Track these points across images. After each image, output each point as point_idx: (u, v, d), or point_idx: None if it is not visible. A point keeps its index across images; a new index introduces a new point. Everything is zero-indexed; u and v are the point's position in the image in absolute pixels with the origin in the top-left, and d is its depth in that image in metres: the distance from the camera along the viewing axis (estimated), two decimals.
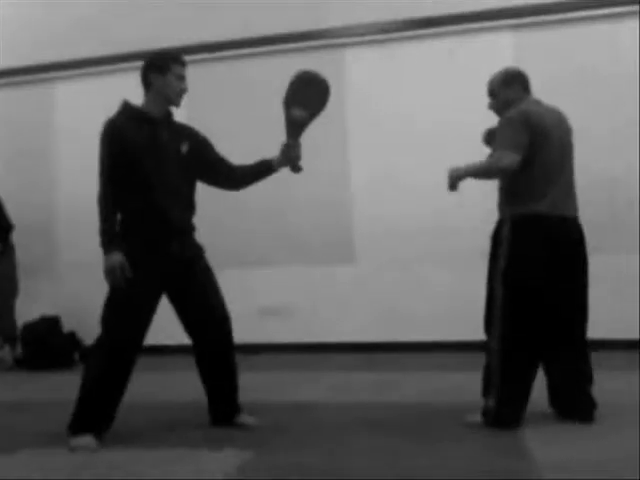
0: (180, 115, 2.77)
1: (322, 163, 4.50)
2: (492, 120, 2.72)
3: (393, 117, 4.61)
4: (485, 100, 2.77)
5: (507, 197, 2.63)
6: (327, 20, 4.71)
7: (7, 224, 4.70)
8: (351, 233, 4.71)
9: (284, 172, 2.78)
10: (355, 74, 4.70)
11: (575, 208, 2.64)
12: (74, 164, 5.10)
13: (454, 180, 2.62)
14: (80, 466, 2.26)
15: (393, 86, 4.64)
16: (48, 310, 4.88)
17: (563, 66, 4.31)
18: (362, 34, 4.69)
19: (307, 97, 2.65)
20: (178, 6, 4.96)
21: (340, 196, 4.73)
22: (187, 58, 2.73)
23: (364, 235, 4.68)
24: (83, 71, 5.15)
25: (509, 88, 2.67)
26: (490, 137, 2.79)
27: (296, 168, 2.73)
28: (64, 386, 3.45)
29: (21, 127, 5.33)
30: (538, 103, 2.65)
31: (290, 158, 2.69)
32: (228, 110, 4.85)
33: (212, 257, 2.75)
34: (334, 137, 4.66)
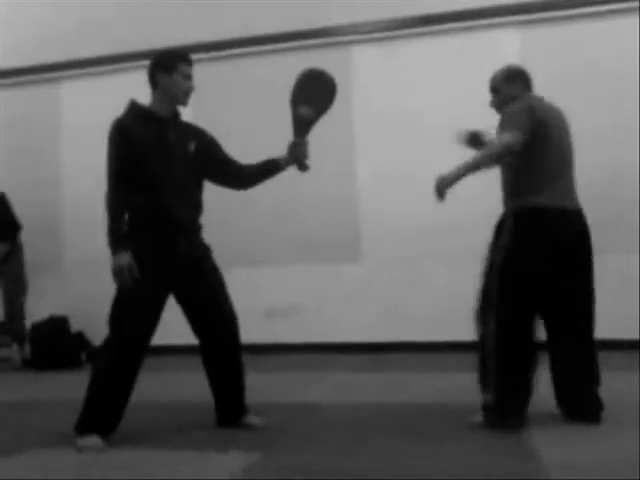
0: (186, 114, 2.76)
1: (329, 162, 4.49)
2: (496, 118, 2.68)
3: (399, 115, 4.59)
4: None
5: (510, 191, 2.62)
6: (333, 18, 4.69)
7: (15, 223, 4.71)
8: (357, 232, 4.69)
9: (291, 171, 2.77)
10: (361, 72, 4.69)
11: (577, 201, 2.61)
12: (80, 163, 5.11)
13: (442, 188, 2.48)
14: (86, 466, 2.26)
15: (399, 84, 4.62)
16: (55, 308, 4.89)
17: (566, 63, 4.29)
18: (368, 32, 4.67)
19: (314, 95, 2.63)
20: (183, 5, 4.96)
21: (346, 195, 4.72)
22: (193, 57, 2.72)
23: (370, 233, 4.66)
24: (88, 70, 5.16)
25: (511, 85, 2.66)
26: (472, 139, 2.76)
27: (303, 167, 2.71)
28: (71, 386, 3.45)
29: (27, 126, 5.35)
30: (540, 100, 2.64)
31: (297, 157, 2.68)
32: (235, 109, 4.84)
33: (219, 256, 2.74)
34: (341, 136, 4.65)
